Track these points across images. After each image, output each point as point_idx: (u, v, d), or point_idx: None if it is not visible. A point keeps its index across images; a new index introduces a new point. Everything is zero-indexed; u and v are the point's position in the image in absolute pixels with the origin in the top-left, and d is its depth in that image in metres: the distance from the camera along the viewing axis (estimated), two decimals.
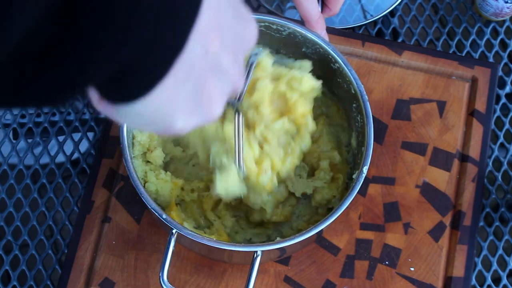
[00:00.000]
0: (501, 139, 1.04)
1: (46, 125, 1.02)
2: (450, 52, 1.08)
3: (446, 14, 1.11)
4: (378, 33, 1.09)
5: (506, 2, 1.04)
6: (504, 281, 0.96)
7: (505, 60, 1.08)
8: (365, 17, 1.08)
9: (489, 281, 0.96)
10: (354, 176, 0.81)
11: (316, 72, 0.91)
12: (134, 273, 0.90)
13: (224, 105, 0.49)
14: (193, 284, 0.90)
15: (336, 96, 0.91)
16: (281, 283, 0.91)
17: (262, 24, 0.86)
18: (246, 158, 0.77)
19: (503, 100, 1.05)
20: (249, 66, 0.74)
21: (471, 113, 0.99)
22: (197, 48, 0.43)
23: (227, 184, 0.76)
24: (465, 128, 0.99)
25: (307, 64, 0.82)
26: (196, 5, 0.42)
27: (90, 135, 1.03)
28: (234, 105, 0.74)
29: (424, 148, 0.97)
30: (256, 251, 0.76)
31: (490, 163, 1.01)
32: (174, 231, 0.75)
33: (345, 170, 0.89)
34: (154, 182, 0.84)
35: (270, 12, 1.07)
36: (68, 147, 1.01)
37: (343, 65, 0.84)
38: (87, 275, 0.90)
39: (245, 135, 0.76)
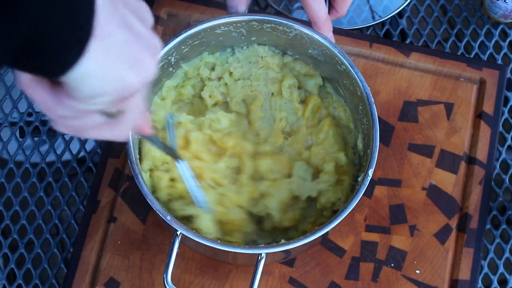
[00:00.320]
0: (509, 142, 1.03)
1: None
2: (458, 53, 1.07)
3: (454, 16, 1.10)
4: (386, 34, 1.09)
5: None
6: (511, 283, 0.96)
7: None
8: (373, 18, 1.08)
9: (495, 284, 0.96)
10: (359, 178, 0.81)
11: (323, 74, 0.92)
12: (139, 274, 0.90)
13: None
14: (198, 285, 0.90)
15: (343, 97, 0.90)
16: (286, 284, 0.90)
17: (269, 25, 0.86)
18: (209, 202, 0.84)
19: (511, 102, 1.05)
20: (168, 126, 0.82)
21: (479, 115, 0.99)
22: (106, 6, 0.50)
23: (205, 228, 0.83)
24: (472, 130, 0.99)
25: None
26: None
27: None
28: (173, 157, 0.80)
29: (431, 150, 0.97)
30: (261, 253, 0.75)
31: (498, 166, 1.01)
32: (178, 232, 0.75)
33: (352, 172, 0.88)
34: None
35: (277, 12, 1.07)
36: (75, 145, 1.01)
37: (349, 67, 0.84)
38: (92, 274, 0.91)
39: (198, 183, 0.83)
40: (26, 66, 0.50)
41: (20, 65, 0.50)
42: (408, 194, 0.95)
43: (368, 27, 1.07)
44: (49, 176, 0.99)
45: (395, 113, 0.98)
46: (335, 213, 0.87)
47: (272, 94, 0.92)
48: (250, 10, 0.89)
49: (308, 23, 0.85)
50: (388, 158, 0.96)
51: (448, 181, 0.96)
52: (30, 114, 1.03)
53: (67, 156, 1.01)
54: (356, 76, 0.83)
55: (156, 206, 0.76)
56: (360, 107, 0.85)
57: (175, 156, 0.80)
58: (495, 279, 0.96)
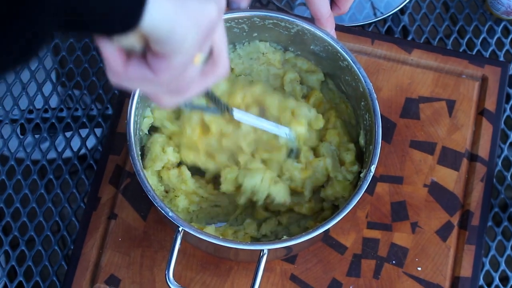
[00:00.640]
0: (511, 139, 1.03)
1: (53, 120, 1.02)
2: (461, 50, 1.07)
3: (456, 12, 1.10)
4: (388, 31, 1.09)
5: None
6: None
7: None
8: (375, 14, 1.07)
9: (496, 281, 0.95)
10: (362, 175, 0.81)
11: (324, 70, 0.91)
12: (140, 270, 0.90)
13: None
14: (199, 282, 0.89)
15: (345, 93, 0.90)
16: (287, 281, 0.90)
17: (271, 21, 0.85)
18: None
19: None
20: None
21: (481, 112, 0.99)
22: None
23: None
24: (474, 127, 0.98)
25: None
26: None
27: (98, 131, 1.03)
28: (227, 109, 0.78)
29: (432, 147, 0.97)
30: (263, 250, 0.75)
31: (499, 163, 1.01)
32: (180, 229, 0.75)
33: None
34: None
35: (279, 9, 1.06)
36: (75, 143, 1.01)
37: (351, 63, 0.83)
38: (93, 271, 0.90)
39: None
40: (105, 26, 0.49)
41: (97, 26, 0.49)
42: (410, 191, 0.94)
43: (370, 24, 1.07)
44: (50, 173, 0.99)
45: (397, 110, 0.98)
46: (335, 207, 0.86)
47: (274, 89, 0.92)
48: (252, 6, 0.89)
49: (310, 20, 0.85)
50: (390, 155, 0.96)
51: (449, 178, 0.95)
52: (31, 111, 1.03)
53: (68, 153, 1.00)
54: (358, 72, 0.83)
55: (158, 202, 0.76)
56: (362, 103, 0.85)
57: (227, 108, 0.78)
58: (496, 276, 0.96)
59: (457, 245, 0.93)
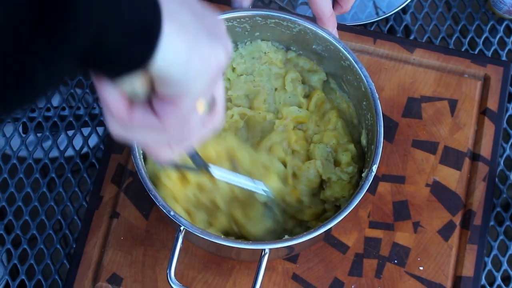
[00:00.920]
0: None
1: (55, 119, 1.02)
2: (463, 50, 1.07)
3: (459, 11, 1.10)
4: (390, 30, 1.08)
5: None
6: None
7: None
8: (377, 13, 1.07)
9: (498, 280, 0.95)
10: (363, 174, 0.81)
11: (326, 69, 0.91)
12: (142, 269, 0.90)
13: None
14: (201, 281, 0.90)
15: (347, 93, 0.90)
16: (289, 280, 0.90)
17: (272, 20, 0.86)
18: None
19: None
20: None
21: (483, 111, 0.98)
22: None
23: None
24: (476, 127, 0.98)
25: None
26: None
27: (100, 129, 1.03)
28: (205, 167, 0.77)
29: (435, 147, 0.96)
30: (264, 249, 0.75)
31: (502, 162, 1.01)
32: (182, 228, 0.75)
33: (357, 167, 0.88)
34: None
35: (281, 8, 1.06)
36: (78, 141, 1.01)
37: (353, 62, 0.83)
38: (95, 270, 0.90)
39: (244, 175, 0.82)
40: (113, 65, 0.47)
41: (106, 66, 0.47)
42: (412, 190, 0.94)
43: (372, 23, 1.07)
44: (52, 172, 0.99)
45: (399, 109, 0.98)
46: (337, 207, 0.86)
47: (276, 89, 0.92)
48: (254, 5, 0.89)
49: (312, 19, 0.85)
50: (392, 155, 0.96)
51: (452, 178, 0.95)
52: (33, 110, 1.03)
53: (70, 152, 1.01)
54: (360, 72, 0.83)
55: (160, 201, 0.76)
56: (364, 103, 0.85)
57: (205, 165, 0.76)
58: (498, 275, 0.96)
59: (459, 244, 0.93)
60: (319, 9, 0.82)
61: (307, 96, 0.92)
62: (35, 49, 0.40)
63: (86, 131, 1.02)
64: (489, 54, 1.07)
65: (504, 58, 1.07)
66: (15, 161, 1.00)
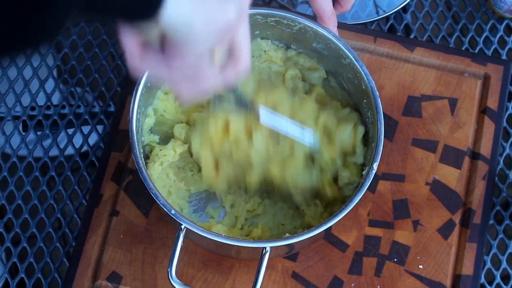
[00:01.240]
0: None
1: (55, 117, 1.02)
2: (463, 48, 1.07)
3: (459, 11, 1.10)
4: (390, 29, 1.09)
5: None
6: None
7: None
8: (377, 12, 1.07)
9: (498, 279, 0.95)
10: (364, 172, 0.81)
11: (326, 67, 0.91)
12: (142, 267, 0.90)
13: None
14: (201, 279, 0.90)
15: (347, 91, 0.90)
16: (289, 279, 0.90)
17: (273, 18, 0.86)
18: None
19: None
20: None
21: (483, 110, 0.99)
22: None
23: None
24: (476, 125, 0.98)
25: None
26: None
27: (100, 128, 1.03)
28: (251, 107, 0.78)
29: (434, 146, 0.97)
30: (265, 247, 0.75)
31: (501, 161, 1.01)
32: (183, 226, 0.75)
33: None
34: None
35: (281, 7, 1.06)
36: (77, 139, 1.01)
37: (354, 60, 0.83)
38: (94, 268, 0.90)
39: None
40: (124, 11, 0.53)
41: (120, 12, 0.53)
42: (412, 189, 0.94)
43: (372, 22, 1.07)
44: (52, 170, 0.99)
45: (399, 108, 0.98)
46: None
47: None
48: (254, 4, 0.89)
49: (313, 17, 0.85)
50: (392, 153, 0.96)
51: (451, 176, 0.95)
52: (33, 108, 1.03)
53: (70, 151, 1.00)
54: (360, 70, 0.83)
55: (160, 200, 0.76)
56: (364, 101, 0.85)
57: (253, 106, 0.79)
58: (498, 274, 0.96)
59: (458, 243, 0.93)
60: (320, 8, 0.82)
61: (307, 93, 0.92)
62: None
63: (86, 129, 1.02)
64: (489, 53, 1.07)
65: (504, 57, 1.07)
66: (15, 160, 1.00)
